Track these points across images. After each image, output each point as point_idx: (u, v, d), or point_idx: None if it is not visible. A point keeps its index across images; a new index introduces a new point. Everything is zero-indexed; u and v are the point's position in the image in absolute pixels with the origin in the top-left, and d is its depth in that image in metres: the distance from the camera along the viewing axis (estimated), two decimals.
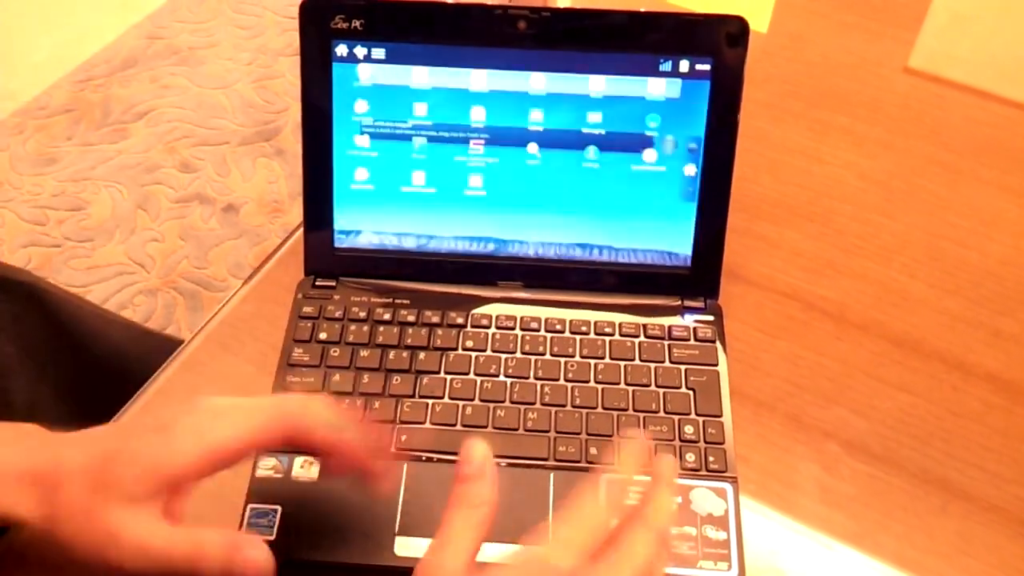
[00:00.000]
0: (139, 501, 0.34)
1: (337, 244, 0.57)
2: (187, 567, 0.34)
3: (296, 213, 1.38)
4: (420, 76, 0.54)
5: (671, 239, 0.55)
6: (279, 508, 0.46)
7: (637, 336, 0.53)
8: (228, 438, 0.35)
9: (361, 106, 0.55)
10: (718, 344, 0.53)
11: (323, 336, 0.53)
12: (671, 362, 0.52)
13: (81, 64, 1.59)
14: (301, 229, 0.58)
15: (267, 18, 1.65)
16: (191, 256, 1.30)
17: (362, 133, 0.55)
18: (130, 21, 1.66)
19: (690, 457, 0.48)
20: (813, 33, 0.77)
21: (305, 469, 0.47)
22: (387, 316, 0.54)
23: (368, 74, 0.54)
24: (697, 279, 0.56)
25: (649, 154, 0.54)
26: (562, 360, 0.52)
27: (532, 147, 0.55)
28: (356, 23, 0.54)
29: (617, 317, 0.54)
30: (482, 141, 0.55)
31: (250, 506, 0.46)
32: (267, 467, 0.47)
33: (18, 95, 1.55)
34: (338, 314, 0.55)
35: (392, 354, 0.52)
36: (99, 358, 0.62)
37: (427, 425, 0.49)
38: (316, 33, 0.54)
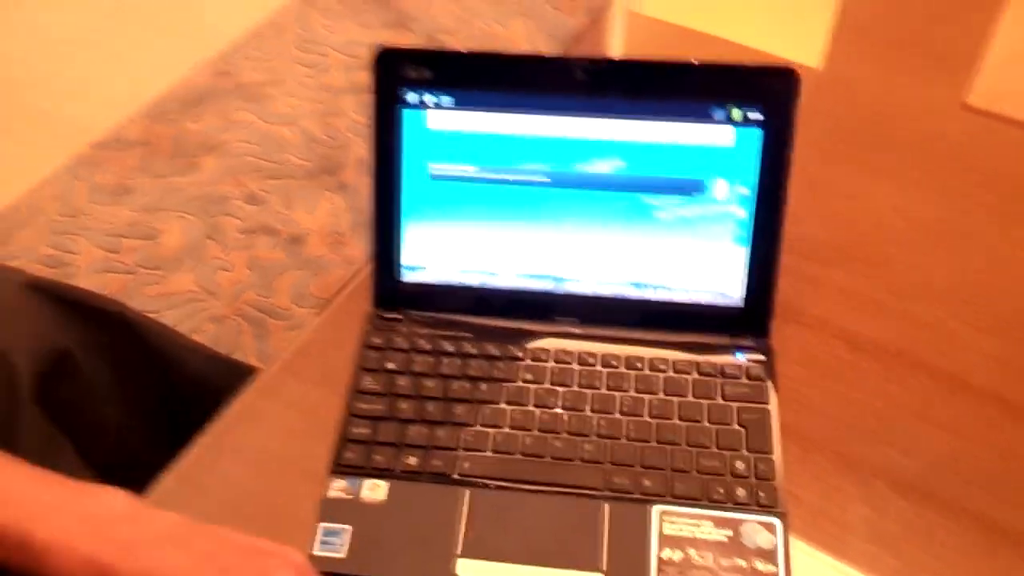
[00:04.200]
0: None
1: (403, 279, 0.60)
2: None
3: (357, 245, 1.42)
4: (484, 121, 0.57)
5: (724, 279, 0.57)
6: (350, 527, 0.48)
7: (690, 373, 0.55)
8: None
9: (428, 149, 0.58)
10: (769, 383, 0.55)
11: (390, 366, 0.56)
12: (723, 399, 0.54)
13: (155, 99, 1.66)
14: (369, 263, 0.61)
15: (331, 57, 1.71)
16: (257, 285, 1.35)
17: (428, 174, 0.58)
18: (201, 58, 1.74)
19: (741, 492, 0.50)
20: (866, 70, 0.79)
21: (373, 491, 0.50)
22: (450, 348, 0.57)
23: (435, 119, 0.57)
24: (749, 318, 0.58)
25: (702, 198, 0.57)
26: (617, 394, 0.55)
27: (589, 190, 0.57)
28: (425, 71, 0.57)
29: (671, 354, 0.57)
30: (542, 183, 0.57)
31: (322, 525, 0.48)
32: (338, 488, 0.50)
33: (94, 128, 1.62)
34: (404, 345, 0.57)
35: (455, 384, 0.55)
36: (182, 384, 0.66)
37: (488, 453, 0.52)
38: (388, 80, 0.57)
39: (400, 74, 0.57)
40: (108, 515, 0.39)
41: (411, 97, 0.57)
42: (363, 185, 1.49)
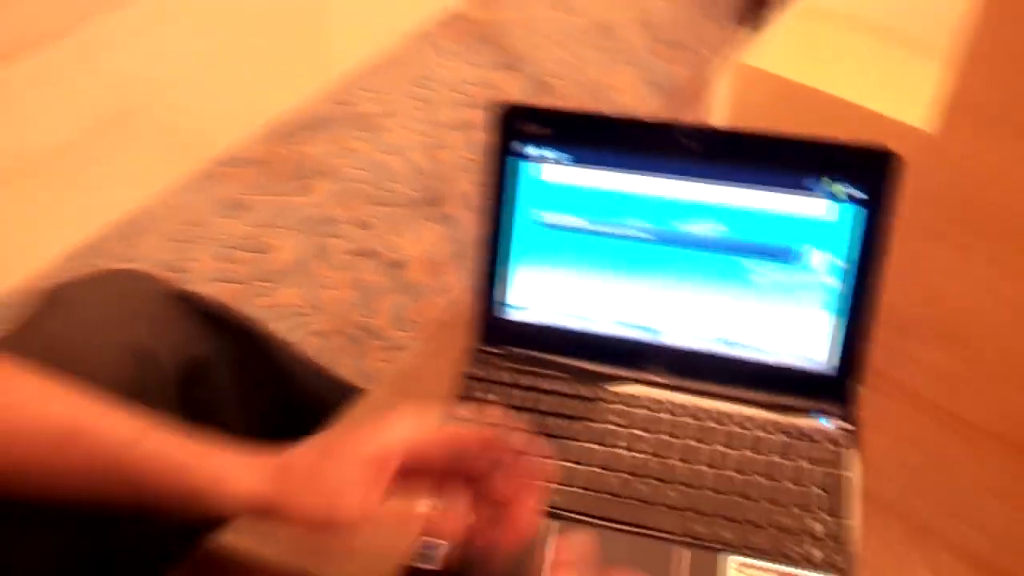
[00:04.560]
0: (356, 471, 0.45)
1: (506, 317, 0.64)
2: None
3: (454, 273, 1.48)
4: (592, 177, 0.61)
5: (814, 345, 0.60)
6: (445, 543, 0.52)
7: (775, 434, 0.58)
8: (416, 429, 0.46)
9: (540, 199, 0.62)
10: (852, 449, 0.57)
11: (490, 397, 0.60)
12: (807, 462, 0.57)
13: (276, 121, 1.76)
14: (469, 295, 0.65)
15: (442, 93, 1.79)
16: (359, 305, 1.42)
17: (538, 222, 0.62)
18: (322, 86, 1.83)
19: (816, 553, 0.52)
20: (976, 144, 0.79)
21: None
22: (547, 386, 0.61)
23: (549, 172, 0.62)
24: (837, 385, 0.60)
25: (797, 265, 0.59)
26: (703, 447, 0.57)
27: (689, 248, 0.61)
28: (541, 127, 0.61)
29: (757, 413, 0.59)
30: (644, 239, 0.61)
31: (422, 538, 0.53)
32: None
33: (217, 144, 1.73)
34: (503, 379, 0.62)
35: (549, 420, 0.59)
36: (297, 397, 0.72)
37: (577, 489, 0.55)
38: (508, 133, 0.62)
39: (520, 129, 0.61)
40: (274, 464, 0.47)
41: (529, 151, 0.62)
42: (464, 217, 1.55)
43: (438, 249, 1.50)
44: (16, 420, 0.50)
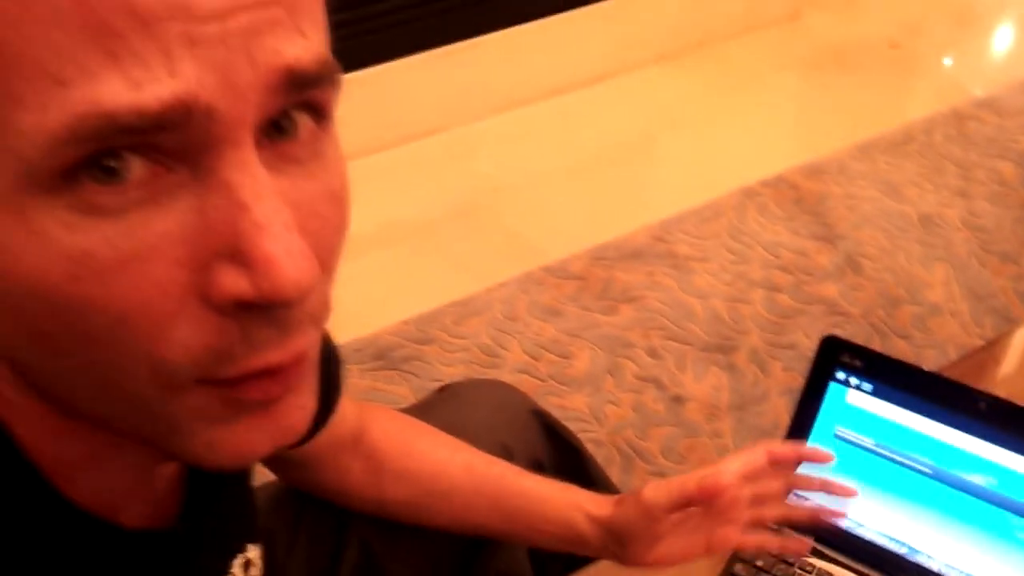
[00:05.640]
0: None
1: (791, 501, 0.77)
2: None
3: (727, 422, 1.60)
4: (888, 410, 0.73)
5: None
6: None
7: None
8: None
9: (841, 417, 0.75)
10: None
11: (759, 563, 0.74)
12: None
13: (598, 245, 2.00)
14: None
15: (755, 251, 1.94)
16: (635, 427, 1.58)
17: (835, 434, 0.76)
18: (644, 222, 2.05)
19: None
20: None
21: None
22: (816, 564, 0.73)
23: (853, 397, 0.75)
24: None
25: None
26: None
27: (961, 492, 0.71)
28: (857, 361, 0.75)
29: None
30: (923, 472, 0.72)
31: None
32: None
33: (547, 254, 1.99)
34: (785, 557, 0.75)
35: None
36: None
37: None
38: (829, 357, 0.76)
39: (838, 356, 0.75)
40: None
41: (840, 375, 0.75)
42: (749, 371, 1.67)
43: (719, 395, 1.63)
44: (445, 465, 0.72)
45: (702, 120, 2.44)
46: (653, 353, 1.72)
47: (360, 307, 2.02)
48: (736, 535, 0.68)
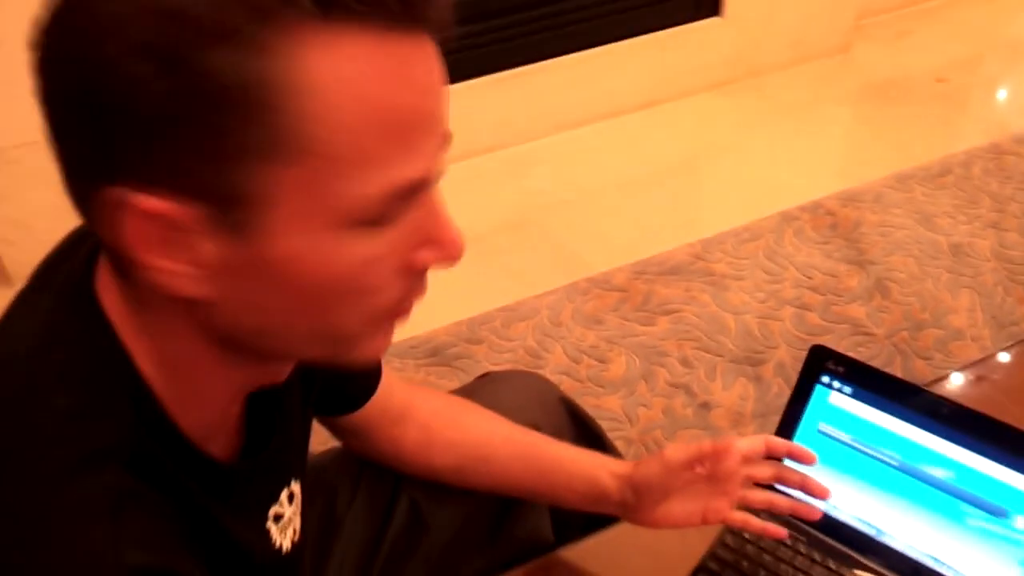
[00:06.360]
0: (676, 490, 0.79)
1: (777, 487, 0.90)
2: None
3: (750, 430, 1.71)
4: (864, 410, 0.86)
5: None
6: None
7: None
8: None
9: (824, 415, 0.88)
10: None
11: (747, 535, 0.86)
12: None
13: (641, 260, 2.13)
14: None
15: (789, 272, 2.05)
16: (663, 428, 1.71)
17: (818, 429, 0.88)
18: (685, 240, 2.17)
19: None
20: None
21: None
22: (793, 544, 0.86)
23: (835, 399, 0.87)
24: None
25: (1004, 523, 0.79)
26: None
27: (922, 482, 0.83)
28: (840, 367, 0.87)
29: None
30: (891, 464, 0.84)
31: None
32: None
33: (592, 266, 2.13)
34: None
35: (782, 567, 0.84)
36: None
37: None
38: (815, 362, 0.88)
39: (824, 363, 0.88)
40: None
41: (824, 379, 0.88)
42: (775, 384, 1.79)
43: (745, 404, 1.75)
44: (489, 435, 0.87)
45: (748, 147, 2.56)
46: (685, 362, 1.85)
47: (418, 308, 2.17)
48: (728, 509, 0.80)
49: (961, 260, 2.06)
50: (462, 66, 2.36)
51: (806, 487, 0.80)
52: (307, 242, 0.47)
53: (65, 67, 0.45)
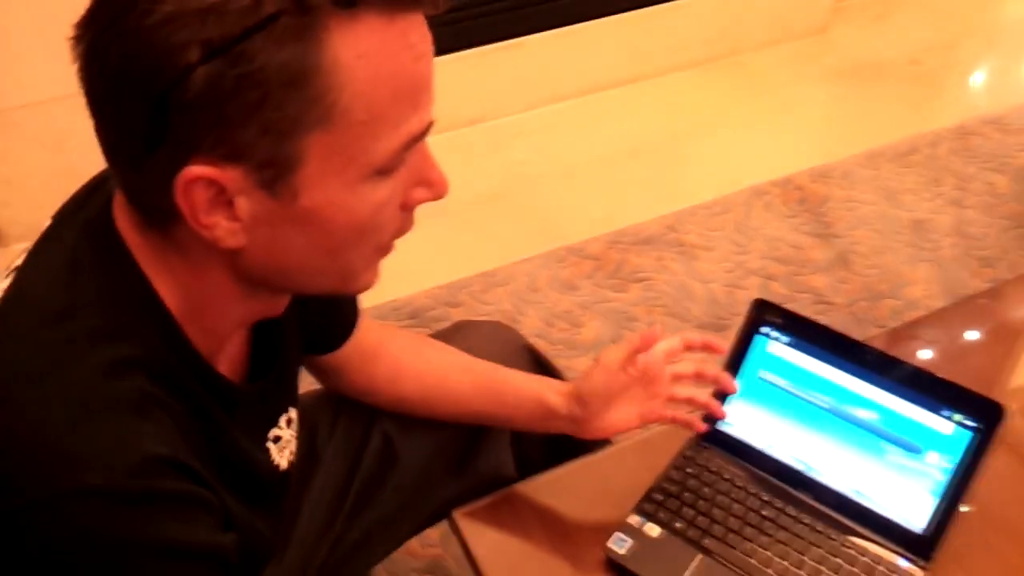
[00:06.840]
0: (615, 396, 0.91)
1: (720, 428, 0.98)
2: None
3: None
4: (800, 358, 0.94)
5: (916, 513, 0.87)
6: (632, 541, 0.87)
7: (869, 559, 0.86)
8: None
9: (763, 362, 0.96)
10: None
11: (689, 470, 0.95)
12: None
13: (618, 230, 2.20)
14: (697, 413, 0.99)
15: (756, 243, 2.13)
16: None
17: (757, 376, 0.96)
18: (660, 212, 2.25)
19: None
20: None
21: (651, 530, 0.89)
22: (730, 478, 0.94)
23: (773, 348, 0.95)
24: (923, 544, 0.87)
25: (918, 457, 0.88)
26: (812, 547, 0.87)
27: (849, 423, 0.91)
28: (778, 319, 0.95)
29: (862, 543, 0.88)
30: (822, 407, 0.92)
31: (617, 533, 0.88)
32: (633, 519, 0.90)
33: (569, 236, 2.20)
34: (705, 464, 0.95)
35: (719, 498, 0.92)
36: None
37: (736, 551, 0.88)
38: (757, 315, 0.96)
39: (765, 315, 0.96)
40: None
41: (764, 330, 0.96)
42: None
43: (706, 366, 1.83)
44: (450, 366, 0.96)
45: (724, 124, 2.63)
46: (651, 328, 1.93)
47: (400, 272, 2.24)
48: (661, 409, 0.93)
49: (922, 235, 2.14)
50: (448, 39, 2.42)
51: (719, 382, 0.96)
52: (334, 194, 0.56)
53: (117, 57, 0.52)
